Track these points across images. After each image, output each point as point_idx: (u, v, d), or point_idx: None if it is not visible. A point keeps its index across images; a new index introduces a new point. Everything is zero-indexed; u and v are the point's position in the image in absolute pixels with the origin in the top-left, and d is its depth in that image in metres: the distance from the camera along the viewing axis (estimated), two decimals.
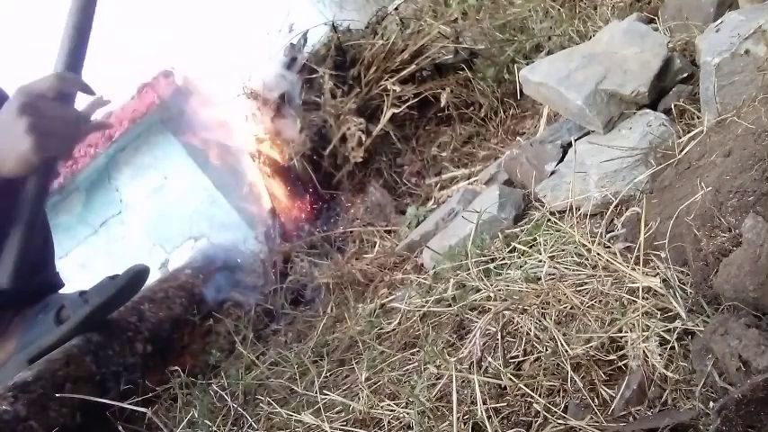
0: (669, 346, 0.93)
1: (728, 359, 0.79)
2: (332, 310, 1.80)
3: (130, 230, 2.94)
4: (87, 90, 1.43)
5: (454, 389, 1.03)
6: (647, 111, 1.47)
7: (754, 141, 0.97)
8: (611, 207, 1.34)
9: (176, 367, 1.63)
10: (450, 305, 1.33)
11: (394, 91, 2.26)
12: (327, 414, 1.21)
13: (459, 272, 1.41)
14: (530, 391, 0.99)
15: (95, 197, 2.90)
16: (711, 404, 0.82)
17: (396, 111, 2.26)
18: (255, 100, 2.39)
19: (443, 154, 2.29)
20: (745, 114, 1.10)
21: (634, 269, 1.07)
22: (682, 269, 1.04)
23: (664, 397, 0.88)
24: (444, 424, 1.01)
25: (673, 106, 1.44)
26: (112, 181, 2.87)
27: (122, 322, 1.78)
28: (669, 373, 0.89)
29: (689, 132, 1.30)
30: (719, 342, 0.81)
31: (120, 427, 1.33)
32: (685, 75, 1.53)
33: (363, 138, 2.26)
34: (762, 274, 0.82)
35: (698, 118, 1.37)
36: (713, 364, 0.84)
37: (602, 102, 1.49)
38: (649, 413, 0.88)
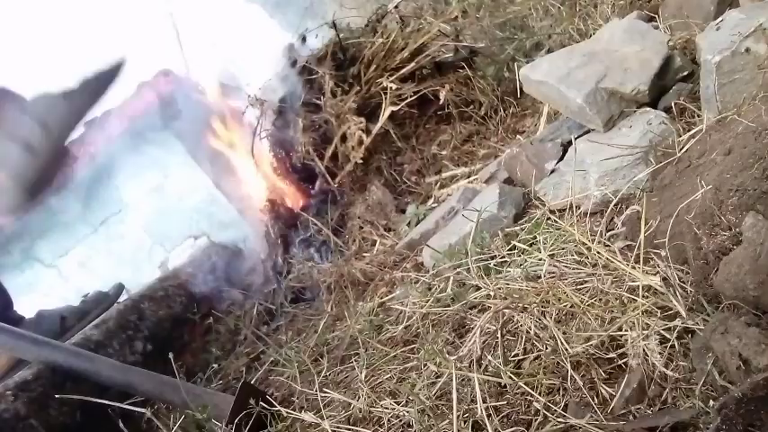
0: (669, 344, 0.93)
1: (728, 358, 0.79)
2: (332, 309, 1.80)
3: (130, 229, 2.94)
4: None
5: (454, 387, 1.03)
6: (648, 109, 1.47)
7: (755, 140, 0.97)
8: (611, 205, 1.34)
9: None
10: (449, 304, 1.33)
11: (392, 88, 2.25)
12: (327, 412, 1.21)
13: (459, 270, 1.41)
14: (530, 390, 0.99)
15: (95, 196, 2.90)
16: (711, 403, 0.82)
17: (394, 108, 2.25)
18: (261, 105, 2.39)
19: (443, 152, 2.29)
20: (745, 112, 1.10)
21: (634, 267, 1.06)
22: (682, 267, 1.04)
23: (664, 395, 0.88)
24: (444, 422, 1.01)
25: (673, 104, 1.44)
26: (112, 179, 2.87)
27: (122, 321, 1.78)
28: (669, 372, 0.89)
29: (689, 131, 1.30)
30: (719, 340, 0.81)
31: (120, 426, 1.33)
32: (686, 73, 1.52)
33: (363, 137, 2.26)
34: (762, 272, 0.82)
35: (698, 116, 1.37)
36: (713, 362, 0.84)
37: (603, 100, 1.49)
38: (649, 411, 0.88)
